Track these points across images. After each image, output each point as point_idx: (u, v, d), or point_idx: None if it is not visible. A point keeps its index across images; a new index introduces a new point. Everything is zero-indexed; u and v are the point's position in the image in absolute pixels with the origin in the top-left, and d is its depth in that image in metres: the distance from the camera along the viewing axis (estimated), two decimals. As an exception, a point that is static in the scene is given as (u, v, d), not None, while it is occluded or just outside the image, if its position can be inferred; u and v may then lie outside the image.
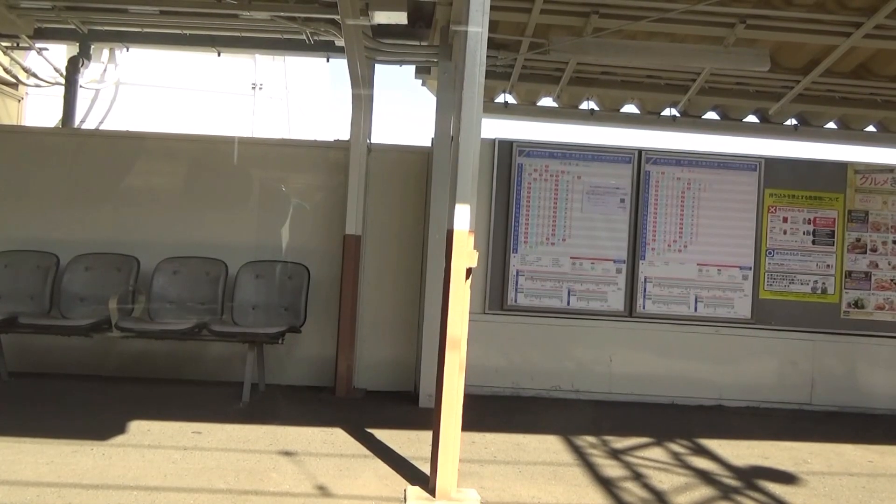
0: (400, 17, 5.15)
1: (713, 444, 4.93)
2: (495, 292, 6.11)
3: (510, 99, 7.16)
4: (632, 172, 6.21)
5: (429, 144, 6.10)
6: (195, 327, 5.53)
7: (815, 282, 6.26)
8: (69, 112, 7.47)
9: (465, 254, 3.66)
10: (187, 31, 6.77)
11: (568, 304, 6.14)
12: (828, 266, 6.27)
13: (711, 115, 7.26)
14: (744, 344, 6.20)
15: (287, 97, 12.00)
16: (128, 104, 9.66)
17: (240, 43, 7.02)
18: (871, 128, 7.23)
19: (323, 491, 3.70)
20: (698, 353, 6.20)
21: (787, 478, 4.35)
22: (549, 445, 4.73)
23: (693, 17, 5.45)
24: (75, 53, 7.39)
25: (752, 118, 7.24)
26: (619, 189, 6.20)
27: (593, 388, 6.15)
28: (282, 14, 5.84)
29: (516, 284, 6.12)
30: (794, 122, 7.24)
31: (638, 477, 4.19)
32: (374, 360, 6.24)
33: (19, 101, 8.40)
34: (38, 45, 7.31)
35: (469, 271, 3.72)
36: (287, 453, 4.26)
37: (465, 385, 3.76)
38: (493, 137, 6.15)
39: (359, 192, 6.03)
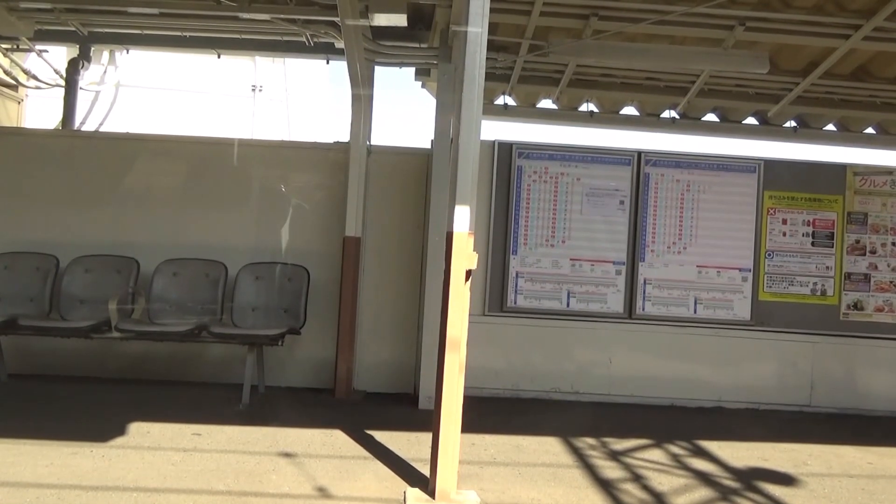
0: (400, 19, 5.16)
1: (713, 446, 4.93)
2: (495, 294, 6.11)
3: (510, 101, 7.17)
4: (631, 174, 6.21)
5: (428, 146, 6.10)
6: (195, 329, 5.52)
7: (815, 283, 6.26)
8: (69, 114, 7.48)
9: (465, 255, 3.67)
10: (187, 33, 6.77)
11: (567, 305, 6.14)
12: (827, 268, 6.27)
13: (711, 117, 7.28)
14: (743, 346, 6.20)
15: (287, 99, 12.01)
16: (128, 106, 9.66)
17: (240, 45, 7.03)
18: (870, 130, 7.25)
19: (323, 493, 3.70)
20: (698, 355, 6.20)
21: (786, 479, 4.35)
22: (548, 447, 4.73)
23: (692, 20, 5.46)
24: (75, 55, 7.40)
25: (751, 120, 7.26)
26: (619, 191, 6.20)
27: (593, 389, 6.15)
28: (281, 16, 5.84)
29: (516, 286, 6.12)
30: (793, 124, 7.24)
31: (637, 478, 4.20)
32: (373, 362, 6.24)
33: (19, 102, 8.39)
34: (38, 46, 7.31)
35: (469, 273, 3.72)
36: (287, 455, 4.26)
37: (465, 387, 3.76)
38: (492, 139, 6.15)
39: (358, 194, 6.04)
